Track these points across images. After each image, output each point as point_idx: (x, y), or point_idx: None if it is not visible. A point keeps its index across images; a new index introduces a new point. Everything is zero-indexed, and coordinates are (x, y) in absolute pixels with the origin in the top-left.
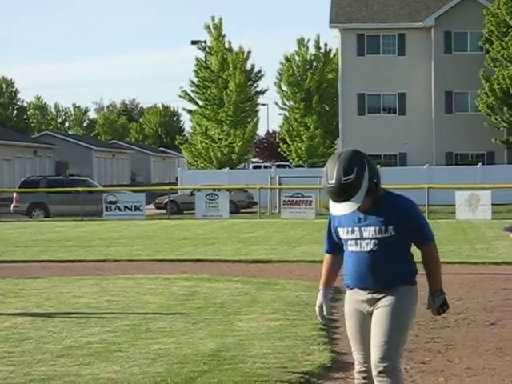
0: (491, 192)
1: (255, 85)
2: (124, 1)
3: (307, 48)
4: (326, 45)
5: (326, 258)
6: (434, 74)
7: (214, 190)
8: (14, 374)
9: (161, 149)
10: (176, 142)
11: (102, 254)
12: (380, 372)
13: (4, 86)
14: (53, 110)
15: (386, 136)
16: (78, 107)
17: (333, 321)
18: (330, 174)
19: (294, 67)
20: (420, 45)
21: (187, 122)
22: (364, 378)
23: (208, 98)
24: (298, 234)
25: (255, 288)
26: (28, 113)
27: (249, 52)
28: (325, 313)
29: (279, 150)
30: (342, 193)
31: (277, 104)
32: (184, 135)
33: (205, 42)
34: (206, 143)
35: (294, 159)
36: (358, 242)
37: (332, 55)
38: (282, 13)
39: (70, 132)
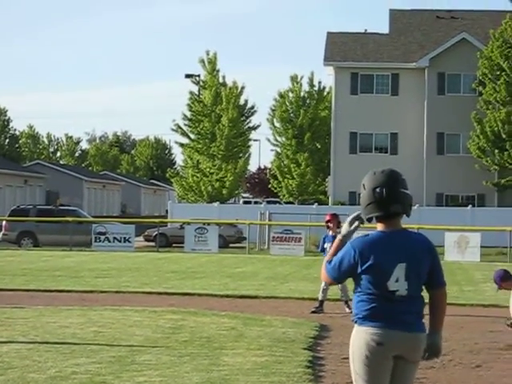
0: (481, 234)
1: (248, 120)
2: (118, 32)
3: (301, 85)
4: (319, 82)
5: None
6: (427, 114)
7: (204, 224)
8: None
9: (152, 181)
10: (167, 175)
11: (90, 284)
12: None
13: None
14: (45, 140)
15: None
16: (71, 137)
17: (318, 358)
18: None
19: (287, 104)
20: (413, 85)
21: (179, 155)
22: None
23: (200, 131)
24: (286, 271)
25: (242, 323)
26: (20, 141)
27: (242, 87)
28: None
29: (270, 186)
30: None
31: (269, 140)
32: (175, 168)
33: (199, 75)
34: (197, 177)
35: (284, 196)
36: None
37: (325, 93)
38: (277, 49)
39: (61, 162)
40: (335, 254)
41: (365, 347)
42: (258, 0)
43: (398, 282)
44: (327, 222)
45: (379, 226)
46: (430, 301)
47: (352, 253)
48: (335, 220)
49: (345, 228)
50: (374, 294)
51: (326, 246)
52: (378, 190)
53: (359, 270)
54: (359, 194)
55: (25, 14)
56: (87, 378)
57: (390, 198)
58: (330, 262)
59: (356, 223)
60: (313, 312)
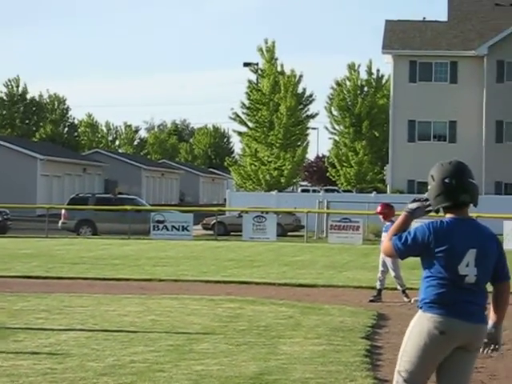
0: None
1: (306, 108)
2: (177, 21)
3: (358, 73)
4: (378, 70)
5: None
6: (486, 102)
7: (262, 212)
8: None
9: (210, 169)
10: (225, 164)
11: (148, 273)
12: None
13: (56, 102)
14: (104, 128)
15: (435, 163)
16: (129, 126)
17: (376, 347)
18: None
19: (345, 92)
20: (472, 73)
21: (237, 144)
22: None
23: (259, 120)
24: (344, 259)
25: (300, 312)
26: (79, 130)
27: (300, 75)
28: None
29: (328, 174)
30: None
31: (327, 128)
32: (233, 157)
33: (257, 64)
34: (256, 165)
35: (342, 184)
36: None
37: (384, 81)
38: (335, 37)
39: (120, 150)
40: (401, 229)
41: (426, 334)
42: None
43: (468, 267)
44: (379, 213)
45: (448, 216)
46: (493, 294)
47: (427, 233)
48: (386, 210)
49: (412, 205)
50: (445, 278)
51: (382, 236)
52: (447, 180)
53: (431, 253)
54: (418, 183)
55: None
56: (145, 367)
57: (459, 187)
58: (399, 237)
59: (424, 203)
60: (371, 301)
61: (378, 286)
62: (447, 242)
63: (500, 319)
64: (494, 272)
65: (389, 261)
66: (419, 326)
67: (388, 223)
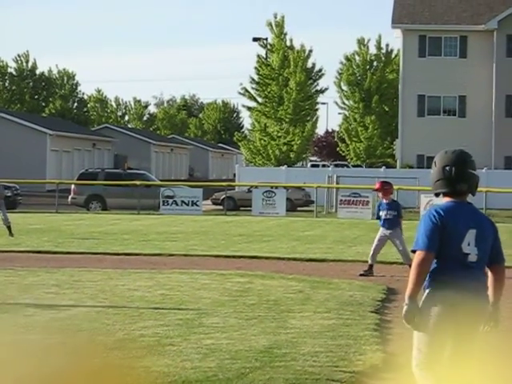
0: None
1: (315, 83)
2: None
3: (367, 48)
4: (387, 45)
5: None
6: (496, 77)
7: (272, 187)
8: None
9: (219, 145)
10: (235, 139)
11: (158, 248)
12: None
13: (65, 78)
14: (113, 104)
15: (445, 138)
16: (139, 101)
17: (386, 321)
18: None
19: (354, 67)
20: (482, 47)
21: (246, 119)
22: None
23: (268, 95)
24: (353, 234)
25: (309, 286)
26: (88, 105)
27: (310, 50)
28: None
29: (338, 149)
30: None
31: (336, 103)
32: (243, 132)
33: (266, 39)
34: (265, 140)
35: (352, 159)
36: None
37: (393, 56)
38: (345, 12)
39: (129, 125)
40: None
41: (433, 310)
42: None
43: (469, 246)
44: (376, 190)
45: (446, 200)
46: (490, 276)
47: (434, 219)
48: (385, 188)
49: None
50: (449, 258)
51: (381, 213)
52: (447, 168)
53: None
54: (428, 157)
55: None
56: (155, 341)
57: (458, 177)
58: (415, 242)
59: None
60: (361, 275)
61: (370, 261)
62: (450, 222)
63: (497, 299)
64: (491, 254)
65: (397, 240)
66: (426, 303)
67: (386, 201)
